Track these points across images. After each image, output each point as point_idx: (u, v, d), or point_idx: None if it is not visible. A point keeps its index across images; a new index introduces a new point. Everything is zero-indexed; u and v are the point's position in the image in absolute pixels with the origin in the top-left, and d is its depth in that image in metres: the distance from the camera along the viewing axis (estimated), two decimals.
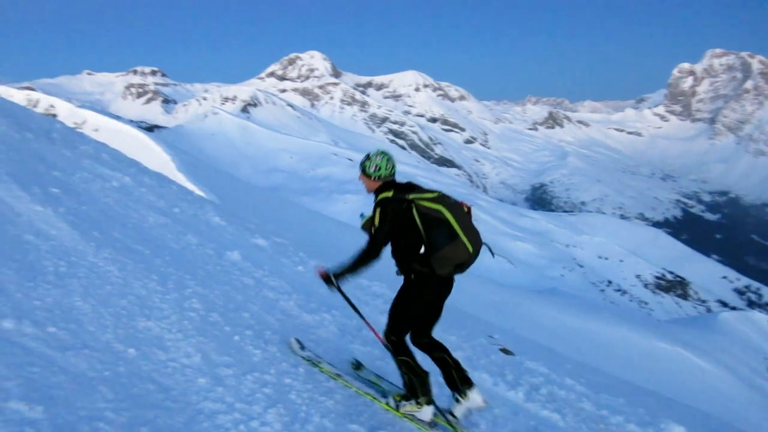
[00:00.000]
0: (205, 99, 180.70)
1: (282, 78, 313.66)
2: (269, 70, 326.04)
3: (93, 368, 3.34)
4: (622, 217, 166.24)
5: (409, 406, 4.20)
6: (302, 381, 4.27)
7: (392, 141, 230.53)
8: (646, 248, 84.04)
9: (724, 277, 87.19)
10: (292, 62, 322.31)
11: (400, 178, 4.18)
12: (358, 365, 4.96)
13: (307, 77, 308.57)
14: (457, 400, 4.19)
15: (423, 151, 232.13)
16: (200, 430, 3.22)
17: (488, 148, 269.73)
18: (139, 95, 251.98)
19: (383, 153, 4.14)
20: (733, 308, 70.93)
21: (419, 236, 3.90)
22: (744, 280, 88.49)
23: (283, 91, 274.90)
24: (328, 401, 4.12)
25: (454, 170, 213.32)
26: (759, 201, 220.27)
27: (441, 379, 4.86)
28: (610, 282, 74.92)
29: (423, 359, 4.26)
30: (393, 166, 4.13)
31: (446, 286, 4.04)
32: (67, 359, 3.30)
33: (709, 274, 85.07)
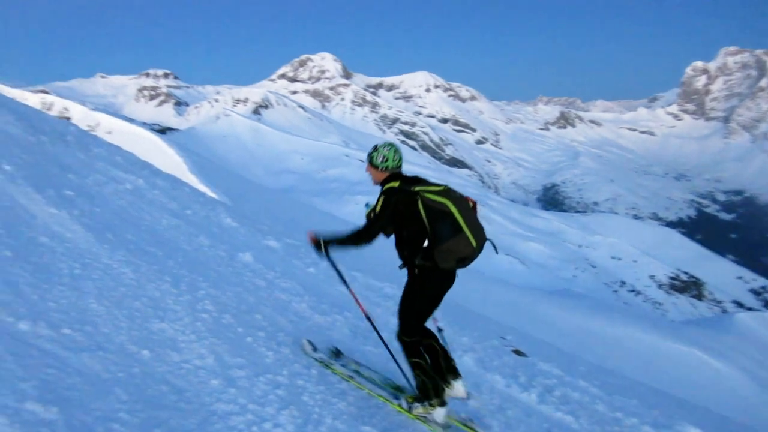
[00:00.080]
0: (216, 101, 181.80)
1: (293, 80, 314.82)
2: (280, 71, 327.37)
3: (107, 370, 3.36)
4: (636, 217, 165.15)
5: (421, 408, 4.19)
6: (315, 383, 4.27)
7: (403, 142, 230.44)
8: (660, 248, 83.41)
9: (740, 278, 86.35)
10: (303, 64, 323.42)
11: None
12: (337, 353, 4.99)
13: (318, 79, 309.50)
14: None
15: (434, 151, 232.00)
16: None
17: (500, 148, 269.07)
18: (152, 98, 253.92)
19: (391, 145, 4.18)
20: (749, 309, 70.16)
21: (423, 229, 3.90)
22: (760, 281, 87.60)
23: (294, 92, 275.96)
24: (340, 403, 4.12)
25: (465, 171, 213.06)
26: None
27: None
28: (623, 283, 74.42)
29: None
30: (400, 158, 4.17)
31: (449, 279, 4.04)
32: (81, 361, 3.33)
33: (724, 275, 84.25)
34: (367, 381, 4.57)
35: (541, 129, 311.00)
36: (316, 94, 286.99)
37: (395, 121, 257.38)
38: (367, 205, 4.13)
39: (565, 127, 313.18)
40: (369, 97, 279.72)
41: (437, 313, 4.22)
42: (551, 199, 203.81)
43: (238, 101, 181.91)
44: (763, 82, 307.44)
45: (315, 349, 4.81)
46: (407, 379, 4.41)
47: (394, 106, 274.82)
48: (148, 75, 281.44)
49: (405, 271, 4.14)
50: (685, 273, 78.62)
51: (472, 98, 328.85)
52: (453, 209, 3.81)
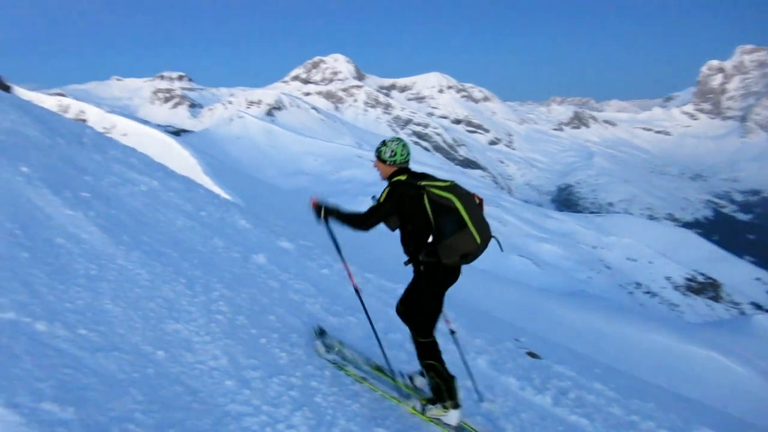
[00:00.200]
0: (230, 103, 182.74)
1: (306, 81, 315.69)
2: (293, 73, 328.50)
3: (123, 370, 3.38)
4: (651, 217, 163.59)
5: (435, 410, 4.18)
6: (328, 384, 4.28)
7: (416, 143, 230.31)
8: (676, 249, 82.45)
9: (758, 279, 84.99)
10: (316, 65, 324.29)
11: None
12: (321, 332, 5.05)
13: (331, 80, 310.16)
14: (422, 374, 4.38)
15: (447, 152, 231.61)
16: None
17: (513, 149, 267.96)
18: (167, 100, 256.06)
19: (399, 139, 4.22)
20: None
21: (429, 224, 3.93)
22: None
23: (308, 94, 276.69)
24: (353, 404, 4.12)
25: (478, 172, 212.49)
26: None
27: (468, 383, 4.84)
28: (638, 284, 73.73)
29: (450, 362, 4.24)
30: (408, 153, 4.21)
31: (452, 275, 4.04)
32: (97, 361, 3.35)
33: (742, 276, 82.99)
34: (381, 383, 4.57)
35: (555, 129, 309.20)
36: (329, 96, 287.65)
37: (408, 122, 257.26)
38: (373, 197, 4.17)
39: (579, 128, 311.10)
40: (382, 98, 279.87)
41: (450, 315, 4.22)
42: (565, 200, 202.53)
43: (251, 103, 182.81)
44: None
45: (328, 351, 4.81)
46: (387, 361, 4.52)
47: (406, 107, 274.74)
48: (162, 77, 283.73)
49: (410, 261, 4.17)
50: (702, 274, 77.69)
51: (485, 99, 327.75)
52: (458, 205, 3.83)
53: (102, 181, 7.97)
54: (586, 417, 5.73)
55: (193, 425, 3.14)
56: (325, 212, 4.28)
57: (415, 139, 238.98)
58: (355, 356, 4.86)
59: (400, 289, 8.48)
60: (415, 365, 4.56)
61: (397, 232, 4.20)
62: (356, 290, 4.60)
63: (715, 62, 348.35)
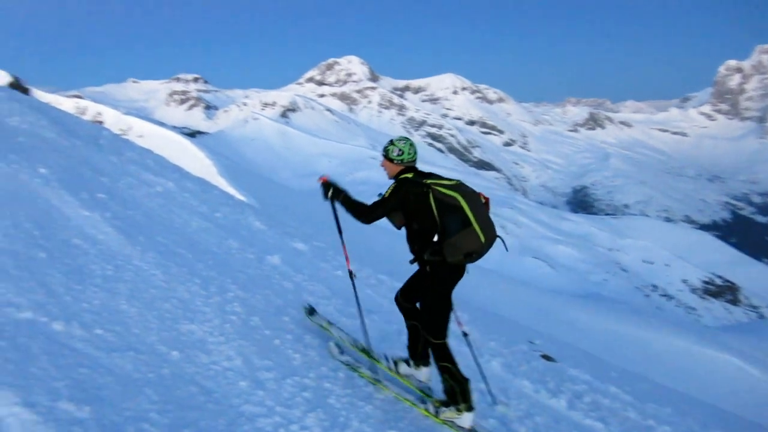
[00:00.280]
0: (245, 105, 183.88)
1: (320, 83, 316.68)
2: (308, 75, 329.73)
3: (138, 370, 3.41)
4: (668, 219, 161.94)
5: (448, 413, 4.16)
6: (342, 386, 4.27)
7: (430, 144, 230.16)
8: (693, 252, 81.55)
9: None
10: (330, 67, 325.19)
11: None
12: (311, 311, 5.17)
13: (345, 82, 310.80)
14: (408, 363, 4.47)
15: (461, 154, 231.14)
16: None
17: (528, 150, 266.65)
18: (182, 102, 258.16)
19: (406, 139, 4.28)
20: None
21: (434, 222, 3.95)
22: None
23: (322, 96, 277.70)
24: (367, 406, 4.11)
25: (493, 173, 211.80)
26: None
27: (482, 386, 4.82)
28: (655, 287, 72.96)
29: (463, 365, 4.22)
30: (415, 152, 4.27)
31: (457, 273, 4.05)
32: (113, 361, 3.38)
33: (760, 279, 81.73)
34: (395, 384, 4.56)
35: (570, 130, 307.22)
36: (343, 97, 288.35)
37: (422, 123, 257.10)
38: (380, 195, 4.20)
39: (594, 129, 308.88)
40: (396, 99, 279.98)
41: (464, 317, 4.21)
42: (581, 202, 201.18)
43: (266, 105, 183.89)
44: None
45: (341, 352, 4.81)
46: (367, 340, 4.61)
47: (421, 108, 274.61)
48: (178, 80, 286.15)
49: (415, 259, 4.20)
50: (720, 277, 76.71)
51: (500, 100, 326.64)
52: (463, 203, 3.85)
53: (118, 182, 8.05)
54: (602, 421, 5.67)
55: (208, 426, 3.16)
56: (333, 193, 4.32)
57: (429, 140, 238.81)
58: (342, 336, 4.98)
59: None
60: (404, 353, 4.64)
61: (403, 230, 4.23)
62: (351, 275, 4.67)
63: (733, 62, 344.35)
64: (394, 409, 4.22)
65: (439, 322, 4.08)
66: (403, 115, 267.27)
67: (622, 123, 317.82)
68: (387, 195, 4.07)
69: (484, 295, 14.89)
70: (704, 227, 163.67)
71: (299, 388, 3.99)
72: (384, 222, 4.25)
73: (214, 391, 3.54)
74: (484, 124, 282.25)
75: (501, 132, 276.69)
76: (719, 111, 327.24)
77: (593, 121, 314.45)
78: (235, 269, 6.27)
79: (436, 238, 3.99)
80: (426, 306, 4.12)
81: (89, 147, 9.77)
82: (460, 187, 3.96)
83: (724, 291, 75.57)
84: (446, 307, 4.10)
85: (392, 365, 4.60)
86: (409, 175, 4.12)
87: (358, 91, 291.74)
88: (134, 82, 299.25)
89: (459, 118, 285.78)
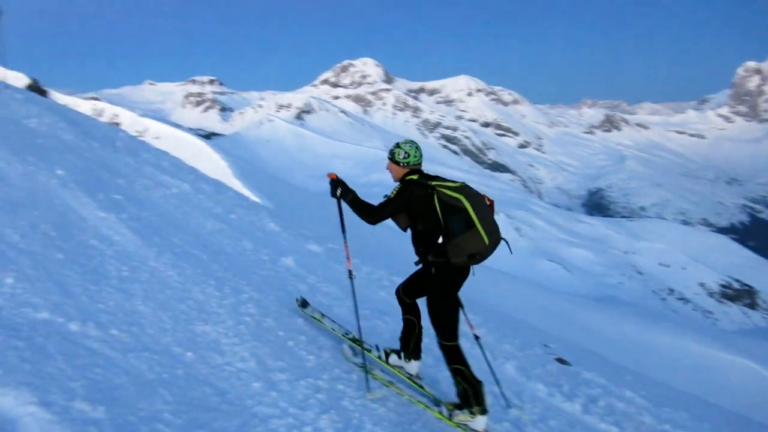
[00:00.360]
0: (260, 107, 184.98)
1: (335, 85, 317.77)
2: (323, 77, 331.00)
3: (152, 370, 3.43)
4: (685, 222, 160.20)
5: (462, 416, 4.14)
6: (355, 387, 4.27)
7: (445, 146, 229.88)
8: (710, 255, 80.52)
9: None
10: (345, 69, 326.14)
11: None
12: (303, 303, 5.24)
13: (360, 84, 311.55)
14: (399, 355, 4.60)
15: (476, 156, 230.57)
16: None
17: (543, 152, 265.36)
18: (198, 104, 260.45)
19: (412, 142, 4.34)
20: None
21: (438, 224, 4.01)
22: None
23: (337, 98, 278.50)
24: (380, 409, 4.10)
25: (508, 175, 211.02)
26: None
27: (496, 389, 4.79)
28: (671, 290, 72.20)
29: (477, 368, 4.20)
30: (420, 155, 4.32)
31: (461, 274, 4.08)
32: (128, 361, 3.41)
33: None
34: (408, 387, 4.55)
35: (586, 132, 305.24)
36: (358, 99, 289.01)
37: (437, 125, 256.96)
38: (385, 196, 4.24)
39: (610, 131, 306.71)
40: (410, 101, 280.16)
41: (478, 319, 4.20)
42: (596, 204, 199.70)
43: (281, 107, 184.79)
44: None
45: (355, 354, 4.81)
46: (360, 331, 4.58)
47: (435, 110, 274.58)
48: (194, 82, 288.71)
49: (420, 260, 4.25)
50: (737, 281, 75.72)
51: (515, 102, 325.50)
52: (467, 205, 3.88)
53: (134, 184, 8.12)
54: (616, 425, 5.62)
55: (221, 427, 3.16)
56: (342, 192, 4.35)
57: (443, 142, 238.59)
58: (335, 327, 5.07)
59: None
60: (396, 345, 4.69)
61: (409, 232, 4.28)
62: (350, 274, 4.72)
63: (751, 63, 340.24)
64: (407, 412, 4.20)
65: (447, 323, 4.10)
66: (417, 117, 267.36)
67: (639, 125, 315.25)
68: (392, 196, 4.12)
69: (498, 298, 14.82)
70: (722, 230, 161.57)
71: (313, 390, 3.98)
72: (387, 222, 4.30)
73: (227, 392, 3.55)
74: (498, 126, 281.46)
75: (516, 134, 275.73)
76: (737, 113, 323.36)
77: (609, 123, 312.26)
78: (250, 270, 6.29)
79: (440, 240, 4.04)
80: (432, 308, 4.14)
81: (106, 149, 9.87)
82: (464, 189, 4.00)
83: (742, 295, 74.60)
84: (453, 308, 4.12)
85: (383, 355, 4.67)
86: (415, 177, 4.16)
87: (373, 93, 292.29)
88: (151, 84, 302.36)
89: (474, 120, 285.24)
